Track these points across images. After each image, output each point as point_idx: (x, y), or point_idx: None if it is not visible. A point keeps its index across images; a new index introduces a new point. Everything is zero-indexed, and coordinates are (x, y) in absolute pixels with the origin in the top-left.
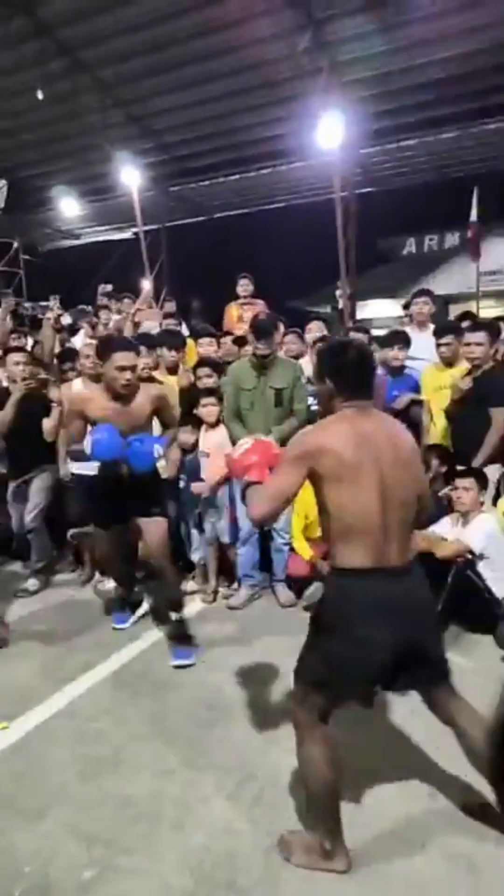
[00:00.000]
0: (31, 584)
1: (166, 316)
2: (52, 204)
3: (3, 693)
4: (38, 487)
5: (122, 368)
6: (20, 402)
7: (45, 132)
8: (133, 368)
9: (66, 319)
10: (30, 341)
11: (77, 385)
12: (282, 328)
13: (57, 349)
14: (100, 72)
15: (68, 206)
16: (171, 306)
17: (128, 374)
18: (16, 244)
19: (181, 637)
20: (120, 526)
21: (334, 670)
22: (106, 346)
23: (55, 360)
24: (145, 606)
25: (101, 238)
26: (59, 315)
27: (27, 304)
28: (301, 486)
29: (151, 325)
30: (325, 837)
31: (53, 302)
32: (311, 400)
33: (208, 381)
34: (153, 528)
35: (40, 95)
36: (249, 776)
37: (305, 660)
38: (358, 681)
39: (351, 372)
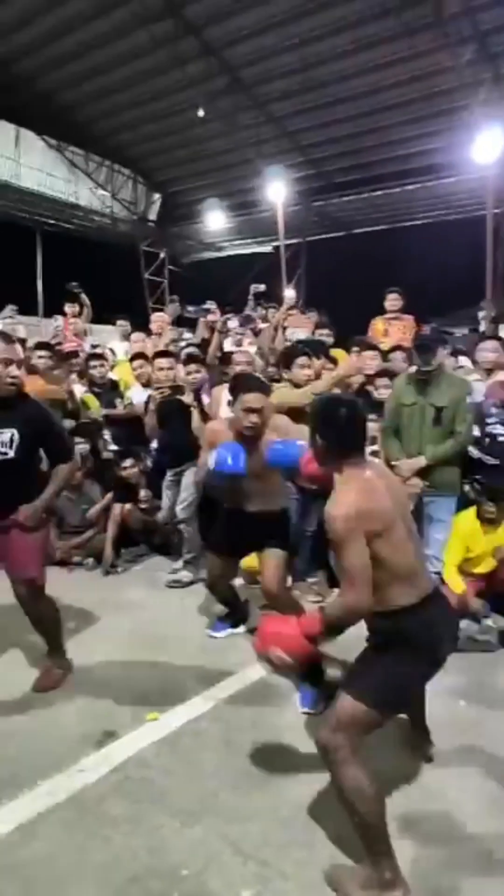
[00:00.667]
0: (184, 575)
1: (319, 326)
2: (199, 217)
3: (151, 687)
4: (190, 482)
5: (250, 410)
6: (161, 406)
7: (199, 149)
8: (260, 411)
9: (233, 323)
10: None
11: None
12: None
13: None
14: (257, 89)
15: (214, 220)
16: (314, 316)
17: (253, 417)
18: (163, 255)
19: (310, 676)
20: (233, 557)
21: (403, 689)
22: (237, 385)
23: (217, 362)
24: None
25: (242, 251)
26: (225, 319)
27: (190, 308)
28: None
29: (299, 333)
30: (383, 866)
31: (211, 305)
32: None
33: None
34: (269, 563)
35: (201, 113)
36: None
37: (369, 683)
38: (411, 695)
39: (348, 429)
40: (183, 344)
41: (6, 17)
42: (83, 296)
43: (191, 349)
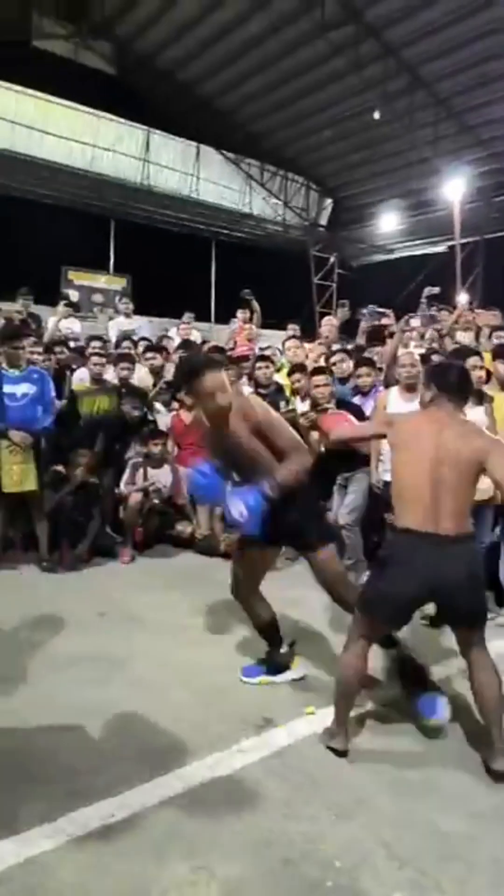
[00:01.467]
0: None
1: (496, 329)
2: (370, 220)
3: (311, 681)
4: (355, 488)
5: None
6: None
7: (373, 152)
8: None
9: (415, 322)
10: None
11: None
12: None
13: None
14: (437, 86)
15: (387, 222)
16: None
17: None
18: (332, 259)
19: (416, 681)
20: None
21: (382, 596)
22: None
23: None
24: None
25: (413, 252)
26: (408, 318)
27: (364, 312)
28: (374, 437)
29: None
30: (334, 720)
31: (383, 310)
32: None
33: None
34: (323, 558)
35: (377, 115)
36: None
37: (363, 590)
38: (386, 608)
39: (452, 382)
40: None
41: (188, 46)
42: (254, 302)
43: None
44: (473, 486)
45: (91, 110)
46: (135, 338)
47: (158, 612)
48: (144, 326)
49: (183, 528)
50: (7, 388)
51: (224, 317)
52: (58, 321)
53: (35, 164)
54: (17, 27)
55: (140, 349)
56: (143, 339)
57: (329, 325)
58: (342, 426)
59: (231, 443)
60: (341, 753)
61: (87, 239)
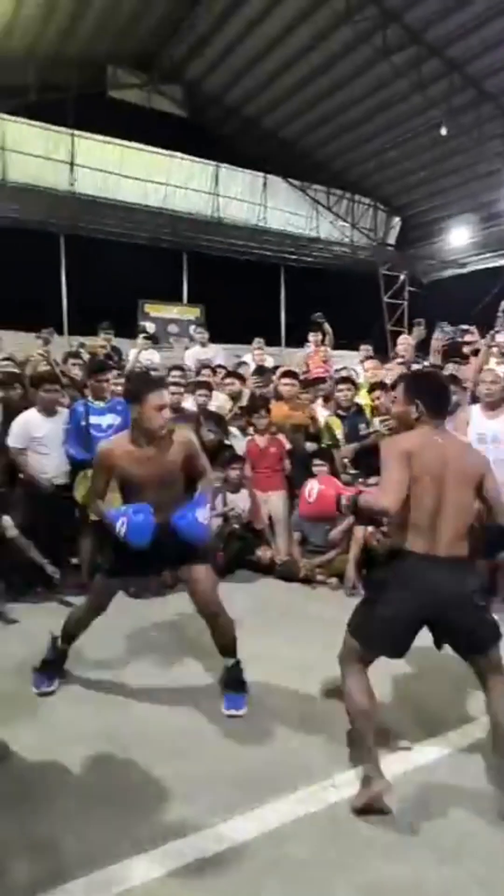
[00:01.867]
0: None
1: None
2: (439, 235)
3: (405, 716)
4: None
5: (160, 408)
6: None
7: (440, 167)
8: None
9: (502, 337)
10: None
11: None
12: None
13: None
14: (503, 98)
15: (457, 236)
16: None
17: (166, 413)
18: (402, 277)
19: (233, 683)
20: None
21: (381, 626)
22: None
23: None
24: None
25: (486, 265)
26: (494, 333)
27: (447, 329)
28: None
29: None
30: (364, 764)
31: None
32: None
33: None
34: (204, 576)
35: (444, 131)
36: None
37: (354, 614)
38: (393, 635)
39: (435, 397)
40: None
41: (253, 82)
42: (325, 325)
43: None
44: (473, 506)
45: (164, 151)
46: (212, 365)
47: (246, 638)
48: (220, 354)
49: (262, 553)
50: (93, 420)
51: (294, 341)
52: (138, 353)
53: (114, 206)
54: (95, 81)
55: (219, 377)
56: (220, 366)
57: (405, 343)
58: (367, 499)
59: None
60: (380, 810)
61: (162, 272)
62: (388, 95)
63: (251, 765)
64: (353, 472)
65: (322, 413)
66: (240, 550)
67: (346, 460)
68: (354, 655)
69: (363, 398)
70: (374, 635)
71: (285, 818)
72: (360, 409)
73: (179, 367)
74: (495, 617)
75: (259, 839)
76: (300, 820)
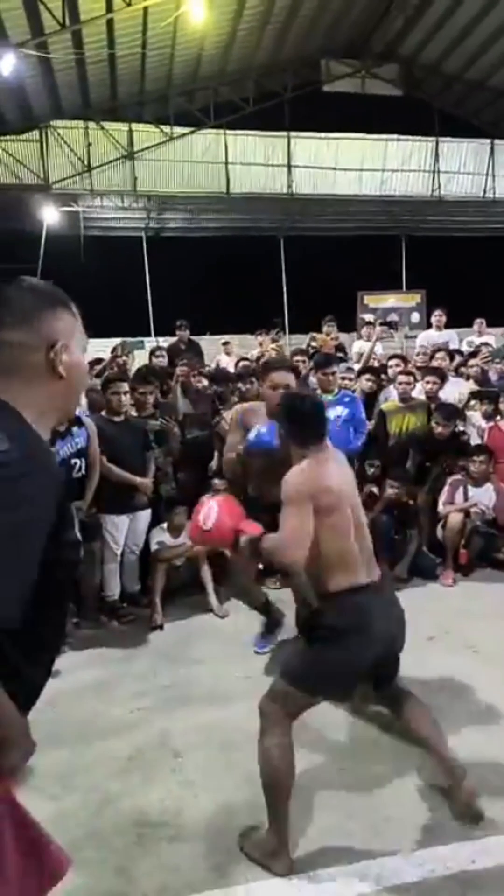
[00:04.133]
0: None
1: None
2: None
3: None
4: None
5: (276, 387)
6: None
7: None
8: (287, 388)
9: None
10: None
11: None
12: None
13: None
14: None
15: None
16: None
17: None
18: None
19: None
20: None
21: (332, 673)
22: (265, 367)
23: None
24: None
25: None
26: None
27: None
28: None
29: None
30: (272, 832)
31: None
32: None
33: None
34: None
35: None
36: None
37: (298, 664)
38: (349, 681)
39: (311, 421)
40: None
41: (474, 43)
42: None
43: None
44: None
45: (379, 136)
46: (448, 349)
47: (492, 640)
48: (454, 339)
49: None
50: None
51: None
52: (373, 344)
53: (329, 201)
54: (309, 78)
55: (453, 362)
56: (458, 351)
57: None
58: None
59: None
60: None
61: (380, 260)
62: None
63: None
64: None
65: None
66: (483, 548)
67: None
68: (287, 709)
69: None
70: (326, 682)
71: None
72: None
73: (401, 356)
74: None
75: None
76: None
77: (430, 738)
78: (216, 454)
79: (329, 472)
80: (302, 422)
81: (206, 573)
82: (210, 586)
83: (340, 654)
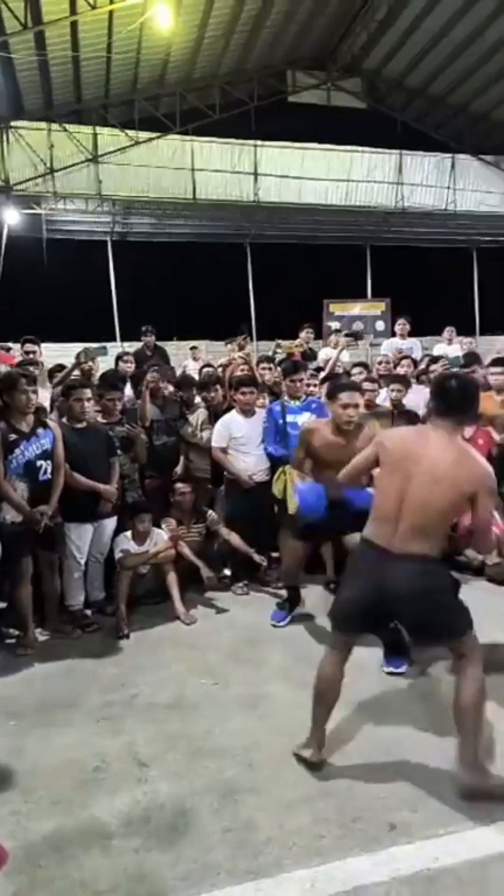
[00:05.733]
0: None
1: None
2: None
3: None
4: None
5: (346, 406)
6: None
7: None
8: (356, 407)
9: None
10: None
11: None
12: None
13: None
14: None
15: None
16: None
17: (351, 412)
18: None
19: (394, 645)
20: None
21: (343, 603)
22: (334, 386)
23: None
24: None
25: None
26: None
27: None
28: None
29: None
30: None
31: None
32: None
33: None
34: None
35: None
36: None
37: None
38: (345, 614)
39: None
40: None
41: (436, 60)
42: None
43: None
44: (450, 510)
45: (344, 147)
46: (412, 356)
47: None
48: (417, 347)
49: (474, 554)
50: (290, 419)
51: (491, 327)
52: (339, 352)
53: (296, 210)
54: (275, 88)
55: (413, 369)
56: (427, 355)
57: None
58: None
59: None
60: (313, 766)
61: (345, 269)
62: None
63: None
64: None
65: None
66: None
67: None
68: (335, 634)
69: None
70: (334, 609)
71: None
72: None
73: (364, 365)
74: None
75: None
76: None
77: (457, 718)
78: (182, 459)
79: (399, 436)
80: (440, 396)
81: (173, 580)
82: (177, 593)
83: (350, 589)
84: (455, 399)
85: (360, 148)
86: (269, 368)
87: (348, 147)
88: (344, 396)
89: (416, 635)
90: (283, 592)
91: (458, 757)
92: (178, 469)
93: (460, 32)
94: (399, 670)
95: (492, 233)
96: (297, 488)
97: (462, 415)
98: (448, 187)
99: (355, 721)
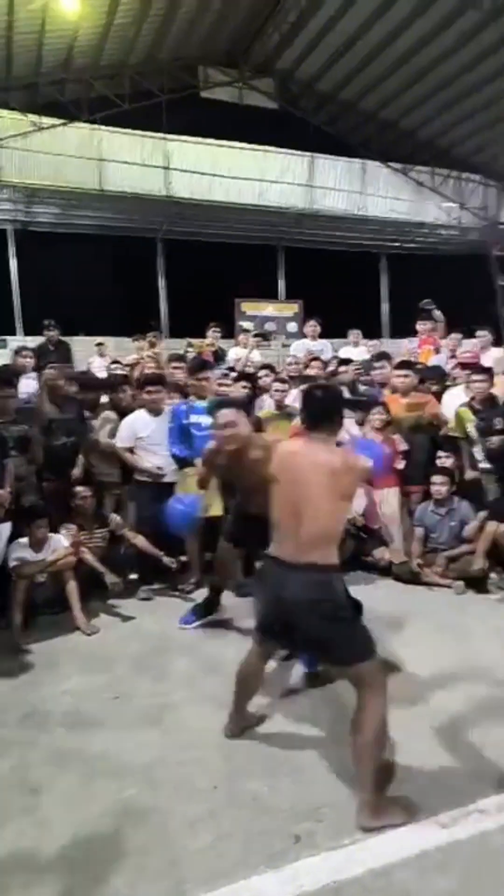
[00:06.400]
0: None
1: None
2: None
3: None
4: None
5: None
6: None
7: None
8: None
9: None
10: None
11: None
12: None
13: None
14: None
15: None
16: None
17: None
18: None
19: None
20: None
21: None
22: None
23: None
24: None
25: None
26: None
27: None
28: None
29: None
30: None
31: None
32: None
33: None
34: None
35: None
36: None
37: None
38: (260, 626)
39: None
40: None
41: (348, 65)
42: (436, 312)
43: None
44: (340, 512)
45: (257, 147)
46: (323, 358)
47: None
48: (328, 348)
49: (380, 553)
50: (193, 419)
51: (398, 332)
52: (249, 352)
53: (208, 207)
54: (186, 83)
55: (324, 370)
56: (342, 359)
57: None
58: None
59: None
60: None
61: (258, 269)
62: (495, 64)
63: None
64: (484, 467)
65: (455, 402)
66: (354, 550)
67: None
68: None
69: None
70: (257, 627)
71: (432, 845)
72: (494, 402)
73: (270, 367)
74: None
75: (401, 865)
76: (444, 849)
77: (355, 754)
78: (80, 460)
79: (293, 452)
80: (309, 408)
81: (73, 588)
82: (77, 602)
83: (259, 601)
84: (318, 413)
85: (272, 148)
86: (181, 368)
87: (261, 147)
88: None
89: (312, 653)
90: (194, 597)
91: (358, 790)
92: (76, 471)
93: (371, 40)
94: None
95: (400, 239)
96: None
97: (331, 424)
98: (359, 192)
99: (257, 731)
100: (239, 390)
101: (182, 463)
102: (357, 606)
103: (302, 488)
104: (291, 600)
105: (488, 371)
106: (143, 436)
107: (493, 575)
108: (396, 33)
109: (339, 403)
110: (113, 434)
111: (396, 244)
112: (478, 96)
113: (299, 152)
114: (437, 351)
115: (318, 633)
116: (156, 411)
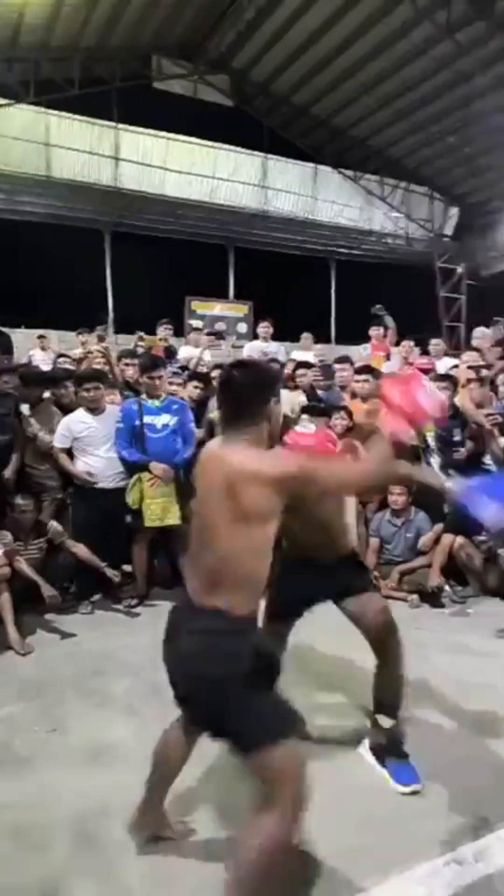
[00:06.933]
0: None
1: None
2: (500, 226)
3: None
4: None
5: None
6: None
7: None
8: None
9: None
10: None
11: None
12: None
13: None
14: None
15: None
16: None
17: None
18: (460, 270)
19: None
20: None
21: None
22: None
23: None
24: None
25: None
26: None
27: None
28: None
29: None
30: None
31: None
32: None
33: None
34: (373, 604)
35: None
36: None
37: None
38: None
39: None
40: None
41: (303, 68)
42: (388, 318)
43: None
44: (233, 539)
45: (210, 143)
46: (280, 359)
47: (304, 660)
48: (281, 351)
49: None
50: (147, 420)
51: (345, 337)
52: (202, 351)
53: (158, 201)
54: (139, 72)
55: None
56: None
57: (482, 339)
58: None
59: None
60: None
61: (209, 268)
62: (448, 77)
63: (352, 836)
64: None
65: None
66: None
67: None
68: None
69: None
70: None
71: None
72: (456, 412)
73: (220, 367)
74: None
75: None
76: None
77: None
78: (14, 459)
79: (209, 455)
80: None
81: (6, 602)
82: (10, 617)
83: None
84: (231, 402)
85: (225, 146)
86: (132, 364)
87: (214, 143)
88: None
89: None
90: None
91: None
92: (8, 473)
93: (325, 46)
94: (416, 786)
95: (349, 245)
96: None
97: (250, 416)
98: (310, 196)
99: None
100: (191, 390)
101: (132, 468)
102: (269, 669)
103: (200, 505)
104: (176, 656)
105: (450, 378)
106: (81, 436)
107: (447, 588)
108: (351, 40)
109: (261, 387)
110: (53, 431)
111: (344, 250)
112: (429, 108)
113: (253, 152)
114: (388, 357)
115: (200, 706)
116: (95, 410)
